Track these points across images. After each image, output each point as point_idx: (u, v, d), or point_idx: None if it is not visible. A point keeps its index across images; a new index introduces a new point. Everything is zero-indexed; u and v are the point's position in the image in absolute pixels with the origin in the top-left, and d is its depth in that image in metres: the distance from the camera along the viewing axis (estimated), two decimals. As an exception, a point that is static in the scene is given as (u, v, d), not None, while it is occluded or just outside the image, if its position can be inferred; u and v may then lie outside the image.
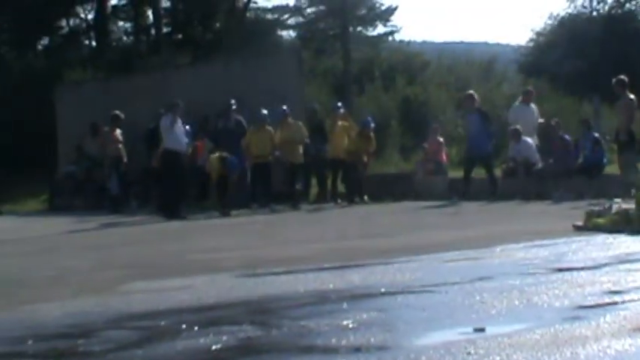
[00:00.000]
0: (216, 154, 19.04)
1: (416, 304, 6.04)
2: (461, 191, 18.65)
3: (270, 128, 19.67)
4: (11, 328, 5.91)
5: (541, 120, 20.07)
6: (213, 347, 4.91)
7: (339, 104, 22.09)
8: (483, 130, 19.16)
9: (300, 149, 19.89)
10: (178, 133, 18.31)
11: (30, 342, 5.36)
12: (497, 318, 5.41)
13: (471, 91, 20.87)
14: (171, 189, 18.22)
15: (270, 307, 6.35)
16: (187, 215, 17.86)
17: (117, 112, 21.24)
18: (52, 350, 5.21)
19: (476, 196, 18.37)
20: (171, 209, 17.76)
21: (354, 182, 20.23)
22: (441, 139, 21.91)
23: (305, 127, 20.20)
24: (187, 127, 19.77)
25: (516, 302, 5.93)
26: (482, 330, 4.95)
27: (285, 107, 19.86)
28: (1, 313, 6.52)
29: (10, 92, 32.66)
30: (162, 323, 5.80)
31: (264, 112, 19.72)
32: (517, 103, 20.75)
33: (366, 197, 19.74)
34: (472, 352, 4.44)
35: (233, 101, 20.52)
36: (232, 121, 20.33)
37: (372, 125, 20.70)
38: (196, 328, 5.50)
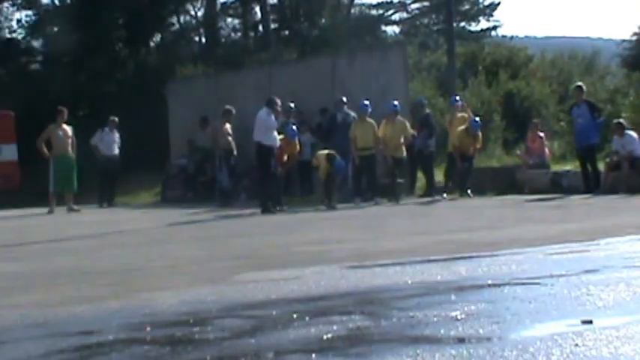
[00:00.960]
0: (325, 152, 19.14)
1: (523, 296, 6.08)
2: (565, 185, 18.60)
3: (371, 120, 19.73)
4: (130, 315, 6.11)
5: None
6: (324, 337, 5.00)
7: (457, 97, 22.07)
8: (592, 122, 19.05)
9: (403, 145, 19.92)
10: (273, 129, 18.49)
11: (148, 329, 5.52)
12: (604, 311, 5.41)
13: (580, 83, 20.76)
14: (267, 183, 18.42)
15: (378, 298, 6.45)
16: (286, 207, 18.10)
17: (229, 106, 21.57)
18: (169, 337, 5.33)
19: (578, 190, 18.35)
20: (269, 203, 17.99)
21: (459, 176, 20.20)
22: (542, 134, 21.70)
23: (409, 122, 20.25)
24: (294, 126, 19.99)
25: (623, 295, 5.93)
26: (589, 322, 4.98)
27: (396, 103, 19.91)
28: (120, 301, 6.75)
29: (125, 88, 33.45)
30: (274, 313, 5.92)
31: (366, 102, 19.82)
32: None
33: (469, 191, 19.69)
34: (579, 344, 4.46)
35: (344, 98, 20.72)
36: (350, 116, 20.51)
37: (479, 128, 20.55)
38: (307, 317, 5.61)
